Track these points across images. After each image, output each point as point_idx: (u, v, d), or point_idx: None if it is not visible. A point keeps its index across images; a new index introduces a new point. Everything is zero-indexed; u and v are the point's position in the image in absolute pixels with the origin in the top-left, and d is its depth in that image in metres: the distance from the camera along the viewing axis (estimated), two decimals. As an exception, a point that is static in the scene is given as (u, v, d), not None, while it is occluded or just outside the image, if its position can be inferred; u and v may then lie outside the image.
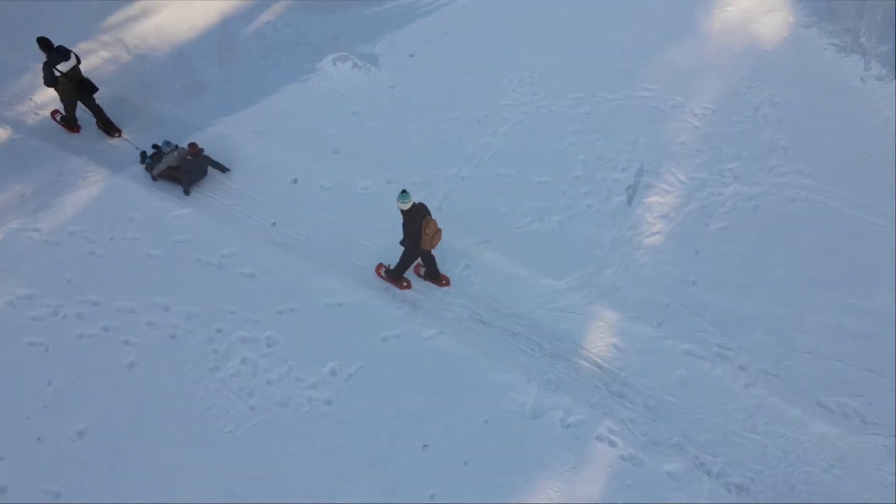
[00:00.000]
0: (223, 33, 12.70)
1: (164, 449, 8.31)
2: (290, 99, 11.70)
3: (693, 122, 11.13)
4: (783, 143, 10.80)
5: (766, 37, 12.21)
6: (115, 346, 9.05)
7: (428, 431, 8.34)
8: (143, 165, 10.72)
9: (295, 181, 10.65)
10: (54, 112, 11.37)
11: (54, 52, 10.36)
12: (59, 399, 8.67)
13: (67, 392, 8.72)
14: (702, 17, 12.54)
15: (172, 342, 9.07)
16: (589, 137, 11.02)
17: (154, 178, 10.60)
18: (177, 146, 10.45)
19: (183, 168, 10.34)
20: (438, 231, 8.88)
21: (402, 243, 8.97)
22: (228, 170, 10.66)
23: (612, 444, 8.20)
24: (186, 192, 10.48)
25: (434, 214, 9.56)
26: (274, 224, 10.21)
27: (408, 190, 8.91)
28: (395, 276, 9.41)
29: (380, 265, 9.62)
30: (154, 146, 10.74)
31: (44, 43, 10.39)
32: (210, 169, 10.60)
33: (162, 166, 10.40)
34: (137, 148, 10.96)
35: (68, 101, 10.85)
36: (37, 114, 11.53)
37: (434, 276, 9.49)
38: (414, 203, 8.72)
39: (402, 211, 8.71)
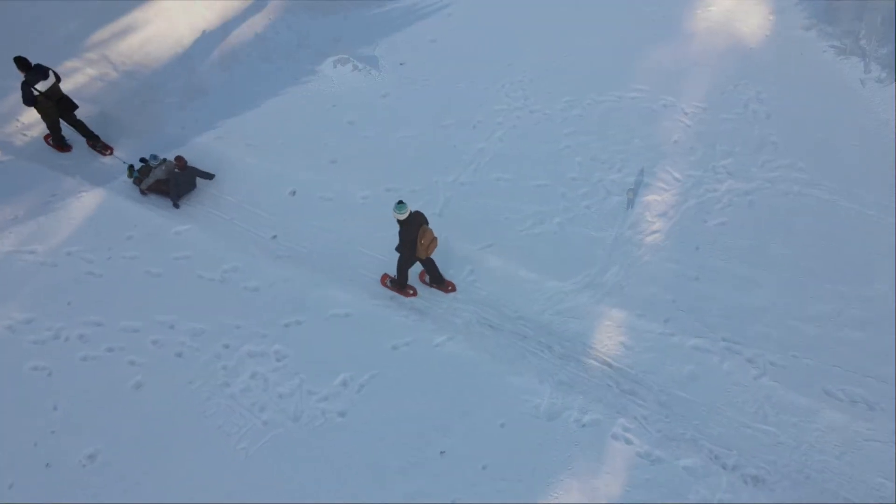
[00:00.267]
0: (222, 37, 12.64)
1: (176, 469, 8.20)
2: (289, 105, 11.66)
3: (685, 120, 11.28)
4: (773, 138, 10.99)
5: (749, 34, 12.42)
6: (120, 366, 8.92)
7: (444, 438, 8.33)
8: (132, 179, 10.62)
9: (293, 193, 10.60)
10: (47, 136, 11.18)
11: (32, 71, 10.22)
12: (66, 423, 8.52)
13: (74, 416, 8.57)
14: (686, 17, 12.72)
15: (179, 360, 8.96)
16: (583, 139, 11.12)
17: (143, 192, 10.51)
18: (164, 159, 10.35)
19: (172, 181, 10.28)
20: (434, 240, 8.92)
21: (397, 249, 8.98)
22: (214, 175, 10.60)
23: (627, 441, 8.26)
24: (176, 206, 10.42)
25: (435, 221, 9.59)
26: (275, 237, 10.14)
27: (405, 201, 8.89)
28: (398, 284, 9.41)
29: (385, 275, 9.60)
30: (142, 160, 10.61)
31: (21, 62, 10.23)
32: (199, 181, 10.53)
33: (150, 180, 10.32)
34: (125, 162, 10.85)
35: (50, 120, 10.70)
36: (24, 135, 11.34)
37: (439, 282, 9.50)
38: (410, 212, 8.73)
39: (399, 220, 8.74)
